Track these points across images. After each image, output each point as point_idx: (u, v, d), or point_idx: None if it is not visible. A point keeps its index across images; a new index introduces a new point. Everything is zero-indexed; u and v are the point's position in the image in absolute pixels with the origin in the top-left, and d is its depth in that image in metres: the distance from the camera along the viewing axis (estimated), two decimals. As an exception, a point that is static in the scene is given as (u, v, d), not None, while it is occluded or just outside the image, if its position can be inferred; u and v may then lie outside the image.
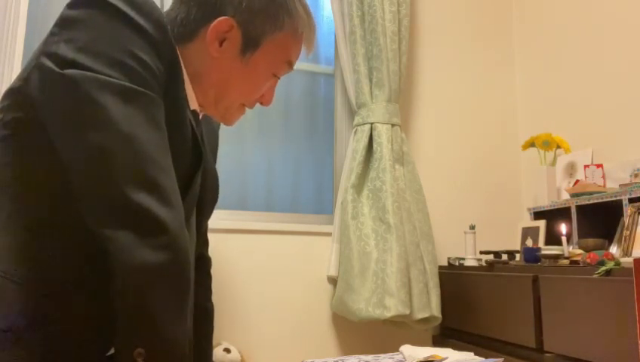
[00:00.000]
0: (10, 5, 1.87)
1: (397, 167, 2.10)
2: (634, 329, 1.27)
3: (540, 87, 2.47)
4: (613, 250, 1.73)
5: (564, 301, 1.50)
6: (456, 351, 1.44)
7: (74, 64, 0.71)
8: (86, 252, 0.76)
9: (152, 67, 0.75)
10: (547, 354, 1.55)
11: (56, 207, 0.76)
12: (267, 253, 2.08)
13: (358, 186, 2.09)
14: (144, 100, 0.73)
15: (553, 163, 2.20)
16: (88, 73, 0.70)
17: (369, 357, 1.43)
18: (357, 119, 2.17)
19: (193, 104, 0.92)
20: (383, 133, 2.09)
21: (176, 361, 0.69)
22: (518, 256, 2.00)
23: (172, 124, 0.79)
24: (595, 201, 1.79)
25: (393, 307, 1.84)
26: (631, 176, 1.80)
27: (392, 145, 2.10)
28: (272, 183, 2.25)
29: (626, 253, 1.53)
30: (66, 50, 0.72)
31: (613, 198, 1.71)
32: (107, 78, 0.71)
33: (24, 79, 0.77)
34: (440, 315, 1.99)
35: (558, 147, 2.20)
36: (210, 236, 1.21)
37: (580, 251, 1.64)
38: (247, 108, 0.97)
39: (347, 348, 2.14)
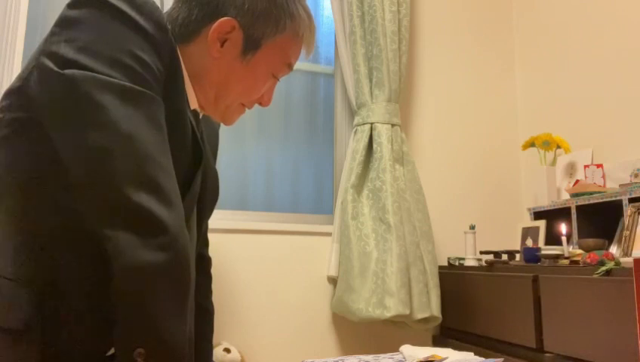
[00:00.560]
0: (10, 5, 1.87)
1: (397, 167, 2.10)
2: (634, 329, 1.27)
3: (540, 87, 2.47)
4: (613, 250, 1.74)
5: (564, 301, 1.50)
6: (456, 351, 1.44)
7: (74, 64, 0.71)
8: (86, 252, 0.76)
9: (152, 67, 0.75)
10: (547, 354, 1.55)
11: (56, 207, 0.76)
12: (267, 253, 2.08)
13: (358, 186, 2.09)
14: (144, 100, 0.73)
15: (553, 163, 2.20)
16: (88, 73, 0.70)
17: (369, 357, 1.43)
18: (357, 119, 2.17)
19: (193, 104, 0.92)
20: (383, 133, 2.09)
21: (177, 361, 0.69)
22: (518, 256, 2.00)
23: (172, 124, 0.79)
24: (595, 201, 1.79)
25: (393, 307, 1.84)
26: (631, 176, 1.80)
27: (392, 145, 2.10)
28: (272, 183, 2.25)
29: (626, 253, 1.53)
30: (66, 50, 0.72)
31: (613, 198, 1.71)
32: (107, 77, 0.71)
33: (24, 79, 0.77)
34: (440, 315, 1.99)
35: (558, 147, 2.20)
36: (210, 236, 1.21)
37: (579, 251, 1.64)
38: (246, 109, 0.97)
39: (347, 348, 2.14)
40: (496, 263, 1.90)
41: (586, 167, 1.98)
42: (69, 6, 0.76)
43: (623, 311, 1.31)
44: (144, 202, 0.68)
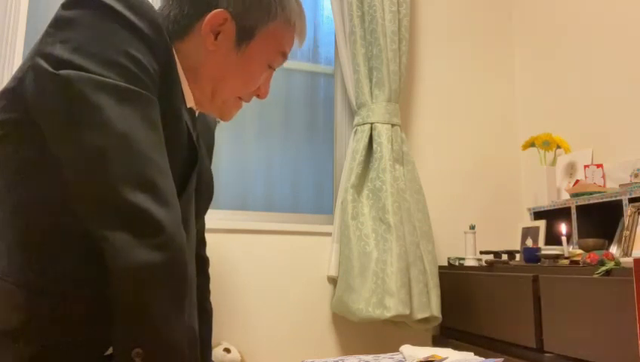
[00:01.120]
0: (11, 5, 1.87)
1: (397, 167, 2.10)
2: (634, 329, 1.27)
3: (539, 87, 2.47)
4: (613, 250, 1.73)
5: (564, 301, 1.50)
6: (456, 351, 1.44)
7: (69, 64, 0.71)
8: (84, 252, 0.76)
9: (147, 67, 0.75)
10: (547, 354, 1.55)
11: (53, 208, 0.76)
12: (267, 253, 2.08)
13: (358, 186, 2.09)
14: (140, 100, 0.73)
15: (553, 163, 2.20)
16: (83, 73, 0.70)
17: (369, 357, 1.43)
18: (357, 119, 2.17)
19: (189, 102, 0.92)
20: (383, 133, 2.09)
21: (175, 361, 0.69)
22: (518, 256, 2.00)
23: (168, 123, 0.79)
24: (595, 201, 1.78)
25: (393, 307, 1.84)
26: (631, 176, 1.80)
27: (392, 145, 2.10)
28: (272, 183, 2.25)
29: (626, 253, 1.52)
30: (61, 51, 0.72)
31: (613, 198, 1.71)
32: (102, 78, 0.71)
33: (19, 79, 0.77)
34: (440, 315, 1.99)
35: (558, 147, 2.20)
36: (210, 236, 1.21)
37: (579, 251, 1.63)
38: (244, 103, 0.97)
39: (347, 348, 2.14)
40: (496, 263, 1.90)
41: (586, 167, 1.98)
42: (64, 6, 0.76)
43: (623, 311, 1.31)
44: (140, 202, 0.68)
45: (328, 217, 2.26)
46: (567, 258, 1.63)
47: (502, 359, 1.35)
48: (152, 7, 0.80)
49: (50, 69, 0.71)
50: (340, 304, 2.00)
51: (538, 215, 2.07)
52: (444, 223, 2.36)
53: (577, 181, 2.01)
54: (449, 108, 2.49)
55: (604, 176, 1.93)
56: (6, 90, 0.78)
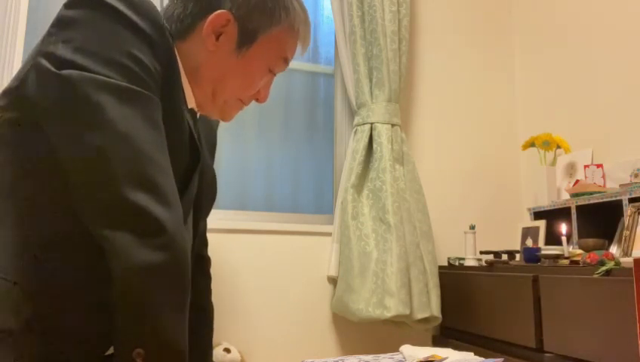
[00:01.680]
0: (11, 5, 1.87)
1: (397, 167, 2.10)
2: (634, 329, 1.27)
3: (540, 87, 2.47)
4: (613, 250, 1.73)
5: (564, 301, 1.50)
6: (456, 351, 1.44)
7: (71, 64, 0.71)
8: (84, 252, 0.76)
9: (149, 66, 0.75)
10: (547, 354, 1.55)
11: (54, 207, 0.76)
12: (267, 253, 2.08)
13: (358, 186, 2.09)
14: (141, 100, 0.73)
15: (553, 163, 2.20)
16: (85, 73, 0.70)
17: (369, 357, 1.42)
18: (357, 119, 2.17)
19: (190, 102, 0.92)
20: (383, 133, 2.09)
21: (176, 361, 0.69)
22: (518, 256, 2.00)
23: (169, 123, 0.79)
24: (595, 201, 1.78)
25: (393, 307, 1.84)
26: (631, 176, 1.80)
27: (392, 145, 2.10)
28: (272, 183, 2.25)
29: (626, 253, 1.52)
30: (63, 51, 0.72)
31: (613, 198, 1.71)
32: (104, 78, 0.71)
33: (21, 79, 0.77)
34: (440, 315, 1.99)
35: (558, 147, 2.20)
36: (210, 236, 1.21)
37: (579, 251, 1.63)
38: (245, 105, 0.97)
39: (347, 348, 2.14)
40: (496, 263, 1.90)
41: (586, 167, 1.98)
42: (66, 6, 0.76)
43: (623, 311, 1.31)
44: (142, 202, 0.68)
45: (328, 217, 2.26)
46: (567, 258, 1.63)
47: (502, 359, 1.35)
48: (154, 7, 0.80)
49: (53, 68, 0.71)
50: (340, 304, 2.00)
51: (538, 215, 2.07)
52: (444, 223, 2.36)
53: (577, 181, 2.01)
54: (449, 108, 2.49)
55: (604, 176, 1.93)
56: (8, 90, 0.78)
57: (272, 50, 0.92)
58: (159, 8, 0.83)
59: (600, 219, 1.83)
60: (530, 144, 2.23)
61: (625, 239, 1.55)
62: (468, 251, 2.10)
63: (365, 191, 2.09)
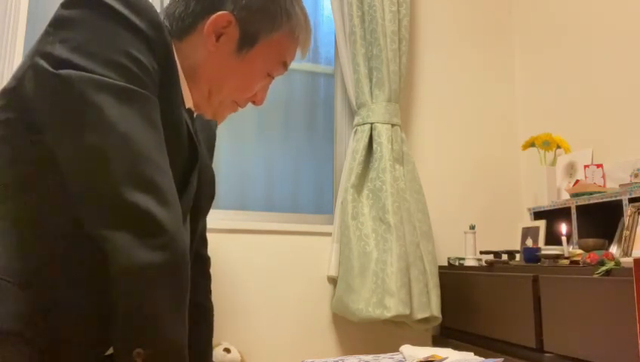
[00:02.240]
0: (11, 5, 1.87)
1: (397, 167, 2.10)
2: (634, 329, 1.27)
3: (539, 87, 2.47)
4: (613, 250, 1.73)
5: (564, 301, 1.50)
6: (456, 351, 1.44)
7: (69, 64, 0.71)
8: (84, 252, 0.76)
9: (147, 66, 0.75)
10: (547, 354, 1.55)
11: (54, 208, 0.76)
12: (267, 253, 2.08)
13: (358, 186, 2.09)
14: (140, 100, 0.73)
15: (553, 163, 2.20)
16: (83, 73, 0.70)
17: (369, 357, 1.43)
18: (357, 119, 2.17)
19: (188, 102, 0.92)
20: (383, 133, 2.09)
21: (176, 361, 0.69)
22: (518, 256, 2.00)
23: (168, 123, 0.79)
24: (595, 201, 1.78)
25: (393, 307, 1.84)
26: (631, 176, 1.80)
27: (392, 145, 2.10)
28: (272, 183, 2.25)
29: (626, 253, 1.52)
30: (60, 50, 0.72)
31: (613, 198, 1.71)
32: (102, 77, 0.71)
33: (18, 79, 0.77)
34: (440, 315, 1.99)
35: (558, 147, 2.20)
36: (210, 236, 1.21)
37: (579, 251, 1.63)
38: (240, 108, 0.97)
39: (347, 348, 2.14)
40: (496, 263, 1.90)
41: (586, 167, 1.98)
42: (63, 6, 0.76)
43: (623, 311, 1.31)
44: (141, 202, 0.68)
45: (328, 217, 2.26)
46: (567, 258, 1.63)
47: (502, 359, 1.35)
48: (152, 6, 0.79)
49: (50, 68, 0.71)
50: (340, 304, 2.00)
51: (538, 215, 2.07)
52: (444, 223, 2.36)
53: (577, 181, 2.01)
54: (449, 108, 2.49)
55: (604, 176, 1.93)
56: (6, 90, 0.78)
57: (271, 54, 0.92)
58: (159, 8, 0.83)
59: (600, 219, 1.83)
60: (530, 144, 2.23)
61: (625, 239, 1.55)
62: (468, 251, 2.10)
63: (365, 191, 2.09)
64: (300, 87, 2.34)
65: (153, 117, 0.74)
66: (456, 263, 2.14)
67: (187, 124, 0.87)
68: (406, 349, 1.48)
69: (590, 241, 1.64)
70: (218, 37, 0.88)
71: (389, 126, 2.12)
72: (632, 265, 1.18)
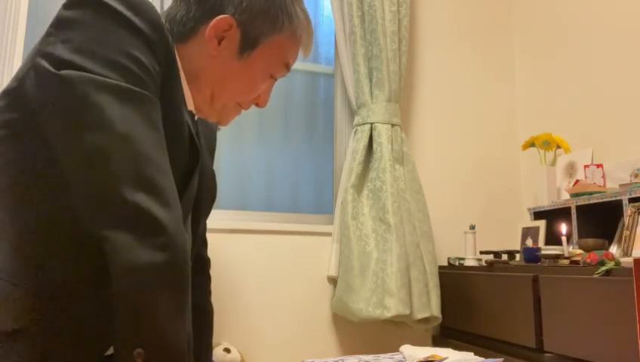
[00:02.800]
0: (11, 5, 1.87)
1: (397, 167, 2.10)
2: (634, 329, 1.27)
3: (539, 87, 2.47)
4: (613, 250, 1.73)
5: (564, 301, 1.50)
6: (456, 351, 1.44)
7: (70, 65, 0.71)
8: (85, 252, 0.76)
9: (148, 67, 0.75)
10: (547, 354, 1.55)
11: (55, 208, 0.76)
12: (267, 253, 2.08)
13: (358, 186, 2.09)
14: (141, 100, 0.73)
15: (553, 163, 2.20)
16: (84, 74, 0.70)
17: (369, 357, 1.43)
18: (357, 119, 2.17)
19: (190, 104, 0.92)
20: (383, 133, 2.09)
21: (176, 361, 0.69)
22: (518, 256, 2.00)
23: (169, 124, 0.79)
24: (595, 201, 1.78)
25: (393, 307, 1.84)
26: (631, 176, 1.80)
27: (392, 145, 2.10)
28: (272, 183, 2.25)
29: (626, 253, 1.52)
30: (62, 51, 0.72)
31: (613, 198, 1.71)
32: (103, 78, 0.71)
33: (20, 80, 0.77)
34: (440, 315, 1.99)
35: (558, 147, 2.20)
36: (210, 236, 1.21)
37: (579, 251, 1.63)
38: (243, 110, 0.97)
39: (347, 348, 2.14)
40: (496, 263, 1.90)
41: (586, 167, 1.98)
42: (65, 6, 0.76)
43: (623, 311, 1.31)
44: (142, 202, 0.68)
45: (328, 217, 2.26)
46: (567, 258, 1.63)
47: (502, 359, 1.35)
48: (153, 7, 0.79)
49: (52, 69, 0.71)
50: (339, 304, 2.00)
51: (538, 215, 2.07)
52: (444, 223, 2.36)
53: (577, 181, 2.01)
54: (449, 108, 2.49)
55: (604, 176, 1.93)
56: (7, 91, 0.78)
57: (273, 57, 0.92)
58: (159, 10, 0.83)
59: (600, 219, 1.83)
60: (530, 144, 2.23)
61: (625, 239, 1.55)
62: (468, 251, 2.10)
63: (365, 191, 2.10)
64: (299, 87, 2.34)
65: (154, 117, 0.74)
66: (456, 263, 2.14)
67: (188, 125, 0.87)
68: (406, 349, 1.48)
69: (590, 241, 1.64)
70: (219, 41, 0.88)
71: (389, 126, 2.12)
72: (632, 265, 1.18)
